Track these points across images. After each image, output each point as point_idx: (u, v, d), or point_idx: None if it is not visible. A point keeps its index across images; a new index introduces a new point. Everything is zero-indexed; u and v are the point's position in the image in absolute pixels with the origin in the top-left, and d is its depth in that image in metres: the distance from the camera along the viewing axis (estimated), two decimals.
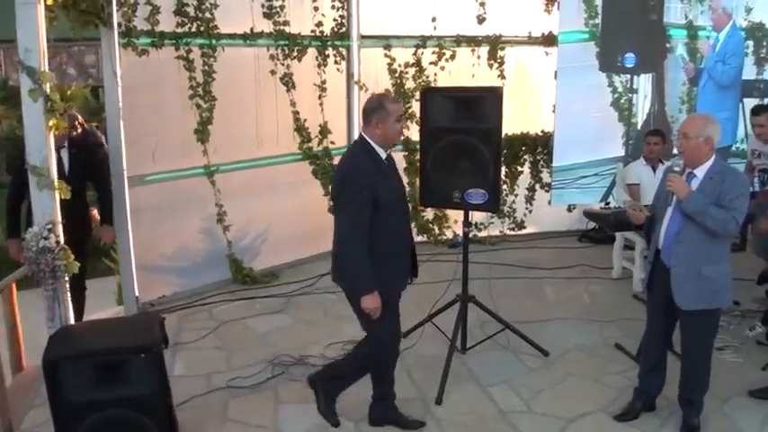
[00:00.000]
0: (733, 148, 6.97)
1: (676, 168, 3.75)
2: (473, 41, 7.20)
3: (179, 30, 5.83)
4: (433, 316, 4.83)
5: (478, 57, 7.23)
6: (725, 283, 3.73)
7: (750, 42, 7.17)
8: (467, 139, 4.36)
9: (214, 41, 5.98)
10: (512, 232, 7.65)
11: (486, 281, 5.57)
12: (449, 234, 7.40)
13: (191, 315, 5.69)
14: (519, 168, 7.50)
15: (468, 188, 4.45)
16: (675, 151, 6.45)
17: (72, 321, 4.61)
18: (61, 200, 4.49)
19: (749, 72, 7.19)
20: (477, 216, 7.02)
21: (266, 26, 6.31)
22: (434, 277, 5.75)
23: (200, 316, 5.68)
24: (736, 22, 7.05)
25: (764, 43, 7.21)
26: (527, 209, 7.61)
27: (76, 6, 4.99)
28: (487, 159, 4.38)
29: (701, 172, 3.69)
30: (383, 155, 3.68)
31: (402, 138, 6.98)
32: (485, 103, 4.39)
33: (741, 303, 5.58)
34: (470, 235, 4.99)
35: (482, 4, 7.12)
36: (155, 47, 5.69)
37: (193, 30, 5.89)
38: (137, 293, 5.72)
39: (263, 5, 6.27)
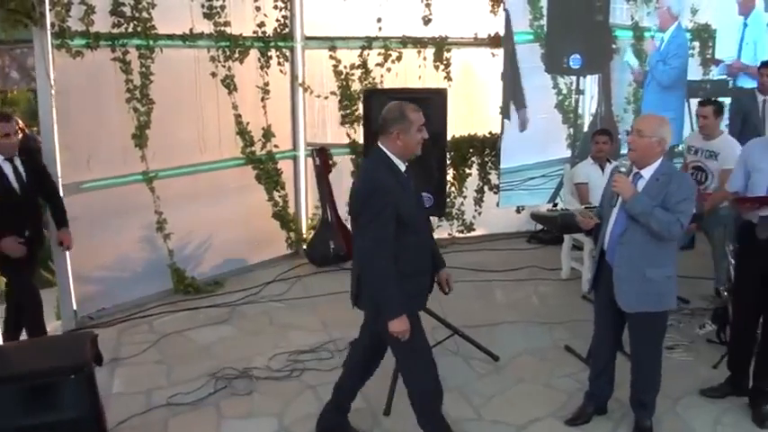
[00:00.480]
0: (679, 148, 7.05)
1: (622, 169, 3.71)
2: (419, 43, 7.11)
3: (115, 30, 5.61)
4: None
5: (424, 58, 7.14)
6: (670, 286, 3.71)
7: (696, 43, 7.26)
8: None
9: (152, 42, 5.77)
10: (461, 235, 7.59)
11: (434, 285, 5.47)
12: None
13: (131, 328, 5.46)
14: (467, 170, 7.45)
15: None
16: (624, 151, 6.49)
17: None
18: (22, 210, 4.39)
19: (695, 73, 7.28)
20: None
21: (206, 27, 6.12)
22: None
23: (140, 329, 5.45)
24: (681, 23, 7.12)
25: (710, 44, 7.31)
26: (476, 211, 7.56)
27: (3, 5, 4.78)
28: (432, 162, 4.30)
29: (647, 173, 3.65)
30: (402, 167, 3.45)
31: (350, 140, 7.00)
32: (429, 105, 4.30)
33: (690, 301, 5.63)
34: None
35: (428, 5, 7.03)
36: (90, 48, 5.45)
37: (130, 30, 5.67)
38: (74, 307, 5.50)
39: (202, 5, 6.07)
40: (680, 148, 7.02)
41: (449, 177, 7.15)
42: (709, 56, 7.29)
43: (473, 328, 5.10)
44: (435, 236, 7.09)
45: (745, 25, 7.28)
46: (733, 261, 4.80)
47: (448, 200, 7.21)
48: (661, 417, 4.02)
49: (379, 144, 3.45)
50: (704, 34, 7.23)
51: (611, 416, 4.10)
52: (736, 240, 4.30)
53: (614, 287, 3.70)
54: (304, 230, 7.15)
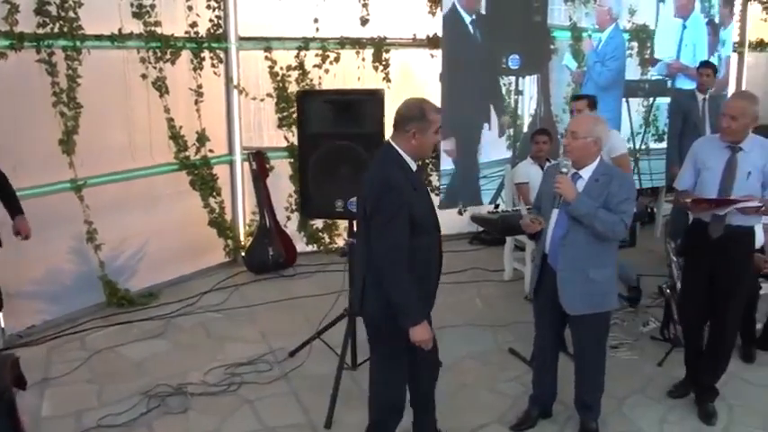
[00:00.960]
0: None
1: (564, 170, 3.64)
2: (357, 43, 7.00)
3: (40, 30, 5.34)
4: (322, 332, 4.59)
5: (363, 59, 7.04)
6: (611, 285, 3.70)
7: (635, 44, 7.33)
8: (348, 144, 4.16)
9: (78, 43, 5.52)
10: None
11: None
12: (340, 242, 7.18)
13: (62, 345, 5.19)
14: None
15: (350, 196, 4.21)
16: (562, 150, 6.49)
17: None
18: None
19: (633, 72, 7.36)
20: None
21: (136, 27, 5.89)
22: (325, 289, 5.56)
23: (71, 346, 5.19)
24: (619, 24, 7.18)
25: (648, 44, 7.39)
26: None
27: None
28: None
29: (586, 173, 3.63)
30: (413, 166, 3.27)
31: (287, 143, 6.84)
32: (366, 106, 4.22)
33: None
34: None
35: (365, 6, 6.93)
36: (14, 49, 5.18)
37: (56, 30, 5.41)
38: (2, 325, 5.16)
39: (132, 4, 5.84)
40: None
41: None
42: (647, 56, 7.37)
43: None
44: None
45: (684, 27, 7.39)
46: (675, 259, 4.83)
47: None
48: (607, 418, 3.99)
49: (391, 141, 3.26)
50: (642, 35, 7.31)
51: (556, 419, 4.06)
52: (684, 239, 4.31)
53: (558, 290, 3.65)
54: (242, 237, 6.95)
